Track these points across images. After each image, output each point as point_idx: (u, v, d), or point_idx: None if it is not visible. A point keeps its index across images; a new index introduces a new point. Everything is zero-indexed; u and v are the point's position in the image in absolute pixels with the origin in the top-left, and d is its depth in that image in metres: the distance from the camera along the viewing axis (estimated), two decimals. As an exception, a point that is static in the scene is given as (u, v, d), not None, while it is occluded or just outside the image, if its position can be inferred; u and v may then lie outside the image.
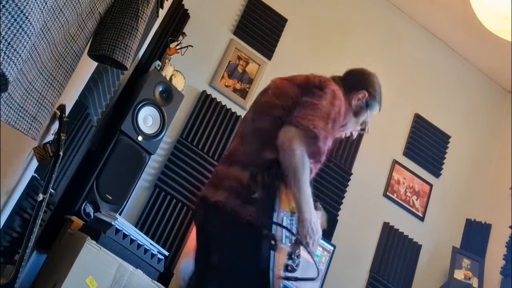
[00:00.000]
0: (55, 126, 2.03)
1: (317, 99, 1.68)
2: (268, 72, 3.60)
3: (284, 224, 1.53)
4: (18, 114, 1.35)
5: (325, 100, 1.69)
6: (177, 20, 3.38)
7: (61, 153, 1.97)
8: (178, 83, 3.13)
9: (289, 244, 1.57)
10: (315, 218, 1.62)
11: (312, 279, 1.62)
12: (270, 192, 1.54)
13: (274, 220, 1.49)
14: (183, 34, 3.27)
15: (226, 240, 1.60)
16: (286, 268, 1.54)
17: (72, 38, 1.52)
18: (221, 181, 1.67)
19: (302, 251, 1.67)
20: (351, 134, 2.00)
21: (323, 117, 1.64)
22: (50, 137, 2.04)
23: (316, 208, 1.95)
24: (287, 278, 1.55)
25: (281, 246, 1.51)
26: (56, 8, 1.28)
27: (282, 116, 1.68)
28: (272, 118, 1.71)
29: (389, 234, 3.68)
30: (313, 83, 1.74)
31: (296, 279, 1.56)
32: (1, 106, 1.23)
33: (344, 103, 1.77)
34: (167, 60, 3.08)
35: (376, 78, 2.00)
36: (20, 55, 1.00)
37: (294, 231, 1.58)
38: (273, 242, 1.44)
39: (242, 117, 1.99)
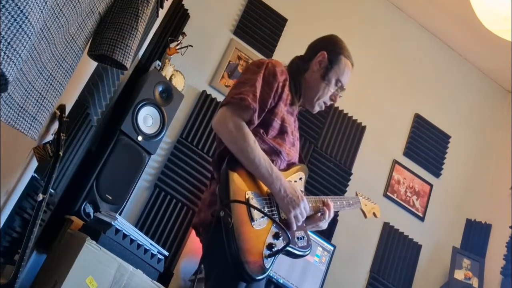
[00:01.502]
0: (55, 126, 2.02)
1: (241, 77, 1.70)
2: (268, 72, 3.59)
3: (253, 203, 1.49)
4: (18, 114, 1.35)
5: (248, 73, 1.67)
6: (177, 20, 3.38)
7: (61, 153, 1.97)
8: (178, 83, 3.13)
9: (265, 222, 1.49)
10: (287, 184, 1.57)
11: (301, 255, 1.57)
12: (221, 183, 1.52)
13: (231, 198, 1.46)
14: (183, 34, 3.27)
15: (209, 254, 1.56)
16: (270, 247, 1.45)
17: (72, 38, 1.52)
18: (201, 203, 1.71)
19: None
20: (333, 99, 1.86)
21: (245, 82, 1.62)
22: (50, 137, 2.03)
23: (350, 205, 1.92)
24: (270, 255, 1.44)
25: (253, 224, 1.45)
26: (56, 8, 1.28)
27: None
28: None
29: (389, 234, 3.68)
30: (250, 65, 1.75)
31: (278, 252, 1.44)
32: (1, 106, 1.23)
33: (279, 66, 1.71)
34: (167, 60, 3.08)
35: (334, 36, 1.92)
36: (20, 55, 1.00)
37: (269, 210, 1.53)
38: (229, 219, 1.39)
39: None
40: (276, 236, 1.48)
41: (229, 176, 1.50)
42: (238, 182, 1.51)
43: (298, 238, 1.60)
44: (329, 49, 1.83)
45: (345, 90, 1.87)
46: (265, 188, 1.58)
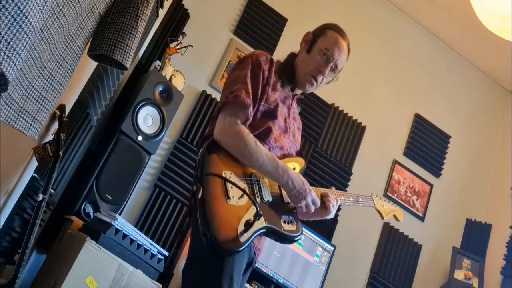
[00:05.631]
0: (55, 126, 2.02)
1: (231, 75, 1.70)
2: (268, 72, 3.59)
3: (231, 180, 1.45)
4: (18, 114, 1.35)
5: (236, 71, 1.69)
6: (177, 20, 3.38)
7: (61, 153, 1.97)
8: (178, 83, 3.13)
9: (243, 201, 1.44)
10: (294, 176, 1.57)
11: (289, 237, 1.51)
12: (197, 162, 1.52)
13: (206, 172, 1.43)
14: (183, 34, 3.27)
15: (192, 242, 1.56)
16: (247, 224, 1.37)
17: (72, 38, 1.52)
18: None
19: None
20: (321, 70, 1.75)
21: (235, 81, 1.64)
22: (50, 137, 2.03)
23: (359, 202, 1.90)
24: (245, 231, 1.36)
25: (228, 201, 1.40)
26: (56, 8, 1.28)
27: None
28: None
29: (389, 234, 3.68)
30: (237, 63, 1.75)
31: (252, 225, 1.36)
32: (1, 106, 1.23)
33: (262, 55, 1.72)
34: (167, 60, 3.08)
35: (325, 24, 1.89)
36: (20, 55, 1.00)
37: (250, 190, 1.50)
38: (199, 192, 1.37)
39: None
40: (256, 216, 1.39)
41: (206, 157, 1.50)
42: (215, 162, 1.50)
43: (285, 221, 1.55)
44: (316, 29, 1.84)
45: (338, 66, 1.79)
46: (248, 171, 1.56)
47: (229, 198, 1.42)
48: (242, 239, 1.35)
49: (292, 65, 1.81)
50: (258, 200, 1.51)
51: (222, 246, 1.32)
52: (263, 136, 1.64)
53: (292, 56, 1.86)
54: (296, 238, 1.56)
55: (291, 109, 1.82)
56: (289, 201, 1.61)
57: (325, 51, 1.75)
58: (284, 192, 1.62)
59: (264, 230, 1.45)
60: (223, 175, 1.46)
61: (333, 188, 1.82)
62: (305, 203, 1.58)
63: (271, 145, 1.66)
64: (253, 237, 1.39)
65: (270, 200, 1.56)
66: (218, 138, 1.57)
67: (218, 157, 1.52)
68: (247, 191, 1.47)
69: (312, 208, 1.61)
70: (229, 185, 1.44)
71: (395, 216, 2.11)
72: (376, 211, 2.05)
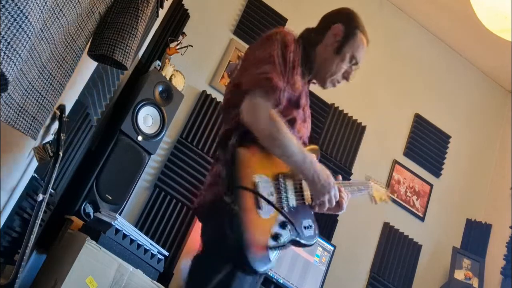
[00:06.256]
0: (55, 126, 2.02)
1: (256, 53, 1.55)
2: (268, 72, 3.59)
3: (261, 189, 1.39)
4: (18, 114, 1.35)
5: (261, 48, 1.55)
6: (177, 20, 3.38)
7: (61, 153, 1.97)
8: (178, 83, 3.13)
9: (272, 208, 1.40)
10: (319, 169, 1.51)
11: (306, 244, 1.50)
12: (228, 162, 1.41)
13: (238, 184, 1.35)
14: (183, 34, 3.27)
15: (206, 231, 1.50)
16: (275, 237, 1.35)
17: (72, 38, 1.52)
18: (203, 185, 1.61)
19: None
20: (346, 77, 1.74)
21: (263, 60, 1.50)
22: (50, 137, 2.03)
23: (361, 190, 1.87)
24: (274, 247, 1.35)
25: (259, 212, 1.35)
26: (56, 8, 1.28)
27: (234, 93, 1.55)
28: (229, 95, 1.59)
29: (389, 234, 3.68)
30: (261, 40, 1.60)
31: (283, 246, 1.36)
32: (1, 106, 1.23)
33: (288, 35, 1.59)
34: (167, 60, 3.07)
35: (351, 10, 1.82)
36: (20, 55, 1.00)
37: (278, 196, 1.44)
38: (234, 206, 1.30)
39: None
40: (282, 226, 1.39)
41: (237, 155, 1.39)
42: (247, 162, 1.41)
43: (305, 227, 1.53)
44: (344, 21, 1.73)
45: (359, 68, 1.77)
46: (276, 169, 1.49)
47: (259, 208, 1.37)
48: (272, 256, 1.35)
49: (312, 54, 1.69)
50: (285, 208, 1.47)
51: (254, 267, 1.30)
52: (289, 125, 1.53)
53: (310, 38, 1.73)
54: (312, 243, 1.56)
55: (307, 97, 1.74)
56: (310, 202, 1.57)
57: (354, 58, 1.71)
58: (304, 191, 1.57)
59: (289, 242, 1.45)
60: (254, 180, 1.39)
61: (340, 177, 1.76)
62: (328, 198, 1.53)
63: (296, 135, 1.56)
64: (279, 250, 1.39)
65: (295, 205, 1.52)
66: (248, 120, 1.43)
67: (249, 153, 1.43)
68: (275, 199, 1.43)
69: (334, 203, 1.56)
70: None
71: (383, 199, 2.06)
72: (370, 196, 2.00)
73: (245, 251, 1.28)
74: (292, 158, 1.47)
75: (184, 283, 1.48)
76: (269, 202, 1.38)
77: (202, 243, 1.49)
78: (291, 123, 1.56)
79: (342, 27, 1.71)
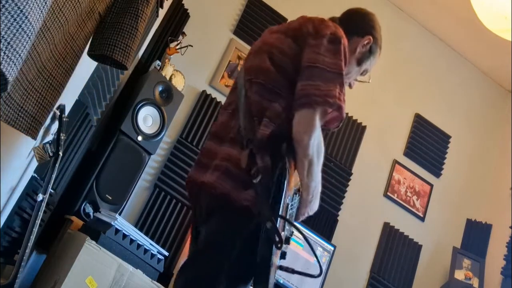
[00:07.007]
0: (55, 126, 2.02)
1: (320, 56, 1.43)
2: (268, 72, 3.59)
3: (289, 213, 1.36)
4: (18, 114, 1.35)
5: (327, 52, 1.44)
6: (177, 19, 3.38)
7: (60, 153, 1.97)
8: (178, 83, 3.13)
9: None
10: (318, 195, 1.48)
11: (313, 276, 1.44)
12: (274, 177, 1.31)
13: (280, 211, 1.27)
14: (183, 33, 3.27)
15: (214, 223, 1.40)
16: (283, 256, 1.32)
17: (72, 37, 1.52)
18: (211, 160, 1.44)
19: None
20: (350, 85, 1.75)
21: (332, 72, 1.43)
22: (49, 137, 2.03)
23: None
24: (284, 269, 1.33)
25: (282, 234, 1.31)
26: (55, 8, 1.28)
27: (271, 82, 1.46)
28: (260, 86, 1.47)
29: (389, 234, 3.68)
30: (307, 32, 1.50)
31: (294, 271, 1.34)
32: (1, 106, 1.23)
33: (347, 44, 1.53)
34: (167, 60, 3.07)
35: (375, 17, 1.81)
36: (20, 55, 1.00)
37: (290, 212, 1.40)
38: (278, 239, 1.23)
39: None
40: (287, 242, 1.35)
41: (287, 174, 1.30)
42: (289, 184, 1.33)
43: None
44: (374, 35, 1.72)
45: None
46: (292, 184, 1.42)
47: (283, 230, 1.32)
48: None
49: None
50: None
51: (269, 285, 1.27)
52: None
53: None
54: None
55: None
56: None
57: (366, 71, 1.76)
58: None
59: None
60: (288, 204, 1.35)
61: None
62: (309, 211, 1.51)
63: None
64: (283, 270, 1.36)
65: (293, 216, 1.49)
66: (299, 138, 1.36)
67: (291, 170, 1.36)
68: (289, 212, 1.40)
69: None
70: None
71: None
72: None
73: (269, 276, 1.26)
74: (311, 183, 1.43)
75: None
76: (302, 234, 1.33)
77: (217, 237, 1.40)
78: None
79: (371, 41, 1.71)
